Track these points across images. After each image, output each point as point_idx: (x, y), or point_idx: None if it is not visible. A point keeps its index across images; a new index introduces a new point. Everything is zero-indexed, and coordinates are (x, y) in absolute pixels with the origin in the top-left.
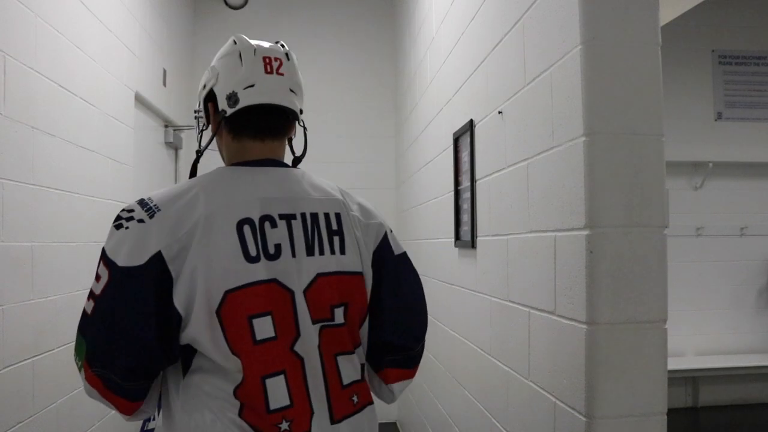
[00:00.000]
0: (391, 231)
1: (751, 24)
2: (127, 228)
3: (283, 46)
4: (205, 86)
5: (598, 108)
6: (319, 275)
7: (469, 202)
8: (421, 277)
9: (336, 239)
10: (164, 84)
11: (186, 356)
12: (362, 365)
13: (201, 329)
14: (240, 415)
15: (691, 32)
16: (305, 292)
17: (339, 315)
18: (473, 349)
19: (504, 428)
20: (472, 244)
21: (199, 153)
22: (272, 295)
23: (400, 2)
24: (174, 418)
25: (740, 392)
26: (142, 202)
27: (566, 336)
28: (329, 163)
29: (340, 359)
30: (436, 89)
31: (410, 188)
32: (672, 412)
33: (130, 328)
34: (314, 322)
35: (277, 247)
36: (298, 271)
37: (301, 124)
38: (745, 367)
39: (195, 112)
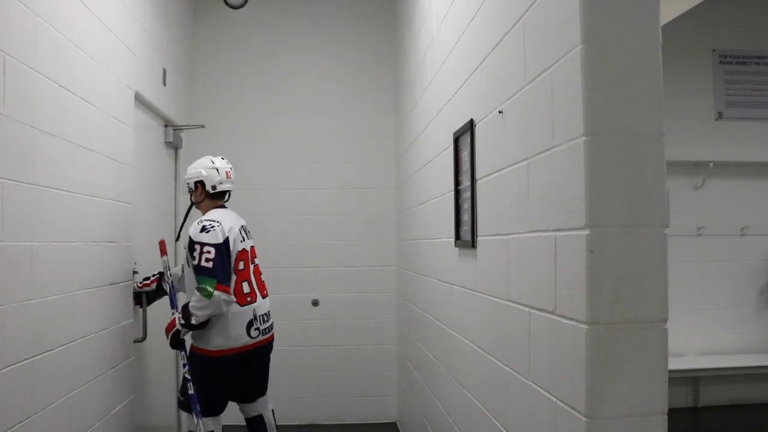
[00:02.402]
0: None
1: (752, 23)
2: (213, 229)
3: (228, 163)
4: (198, 177)
5: (599, 108)
6: (251, 246)
7: (469, 201)
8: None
9: (249, 233)
10: (164, 84)
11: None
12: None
13: (233, 263)
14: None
15: (692, 32)
16: (250, 251)
17: (257, 260)
18: (473, 349)
19: (504, 428)
20: (473, 244)
21: (191, 207)
22: (245, 253)
23: (400, 2)
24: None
25: (740, 392)
26: (213, 219)
27: (566, 336)
28: (329, 163)
29: (260, 277)
30: (436, 89)
31: (410, 188)
32: (672, 412)
33: (226, 262)
34: (251, 263)
35: (244, 237)
36: (248, 244)
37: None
38: (746, 367)
39: (186, 184)
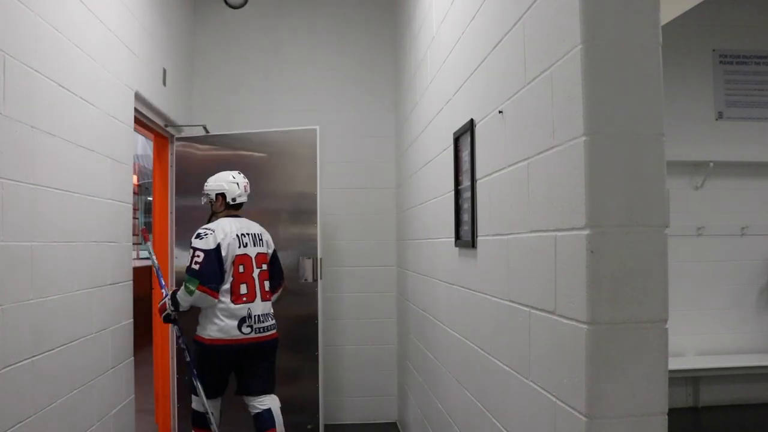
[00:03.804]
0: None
1: (752, 23)
2: (206, 237)
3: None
4: (220, 190)
5: (599, 108)
6: (258, 253)
7: (469, 201)
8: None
9: (261, 242)
10: (164, 83)
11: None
12: (272, 286)
13: (227, 268)
14: (230, 299)
15: (692, 32)
16: (254, 257)
17: (264, 267)
18: (473, 349)
19: (504, 428)
20: (473, 244)
21: (212, 216)
22: (245, 258)
23: (400, 2)
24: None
25: (740, 392)
26: (209, 228)
27: (566, 336)
28: (329, 163)
29: (265, 282)
30: (437, 89)
31: (410, 188)
32: (672, 412)
33: (214, 267)
34: (257, 268)
35: (246, 243)
36: (253, 251)
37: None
38: (746, 367)
39: (206, 195)
